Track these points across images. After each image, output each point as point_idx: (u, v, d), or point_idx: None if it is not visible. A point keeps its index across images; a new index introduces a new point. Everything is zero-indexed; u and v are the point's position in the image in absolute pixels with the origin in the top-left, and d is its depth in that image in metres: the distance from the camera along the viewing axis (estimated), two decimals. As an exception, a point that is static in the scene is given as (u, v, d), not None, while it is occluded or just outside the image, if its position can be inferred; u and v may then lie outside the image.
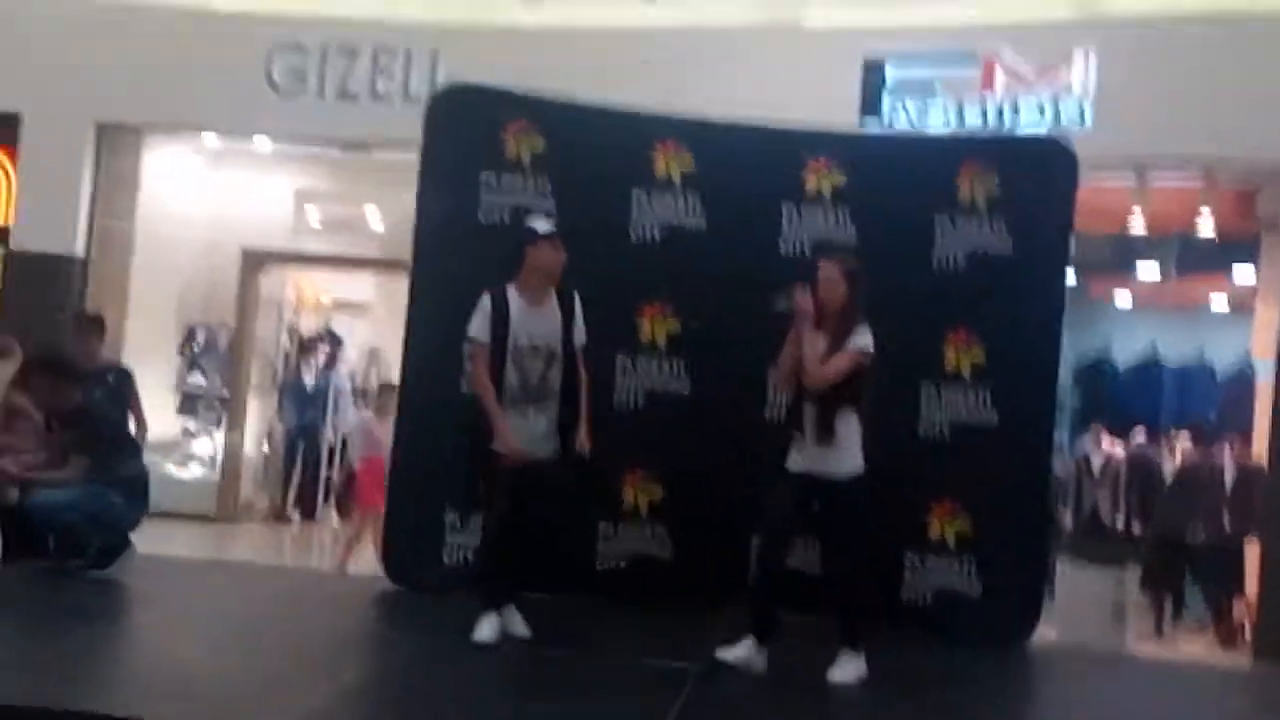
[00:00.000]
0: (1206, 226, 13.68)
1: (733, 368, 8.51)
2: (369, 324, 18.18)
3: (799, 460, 6.75)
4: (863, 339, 6.76)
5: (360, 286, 17.97)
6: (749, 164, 8.75)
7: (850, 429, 6.70)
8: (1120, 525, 13.37)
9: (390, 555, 8.55)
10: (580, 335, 7.14)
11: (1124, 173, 12.85)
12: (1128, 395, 15.31)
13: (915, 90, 13.46)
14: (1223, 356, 14.85)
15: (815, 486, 6.69)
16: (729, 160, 8.77)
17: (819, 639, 6.80)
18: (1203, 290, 16.28)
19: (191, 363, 16.70)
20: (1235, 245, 14.36)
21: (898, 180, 8.68)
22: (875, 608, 8.15)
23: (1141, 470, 13.61)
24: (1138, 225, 13.89)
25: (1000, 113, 13.15)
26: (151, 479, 15.62)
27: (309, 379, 16.96)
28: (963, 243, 8.61)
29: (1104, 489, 13.83)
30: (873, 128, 12.19)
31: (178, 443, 16.61)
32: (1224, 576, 12.46)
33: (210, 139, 16.55)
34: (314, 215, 17.13)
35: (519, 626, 7.10)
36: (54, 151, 15.97)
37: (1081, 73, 12.96)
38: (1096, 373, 16.01)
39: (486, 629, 6.93)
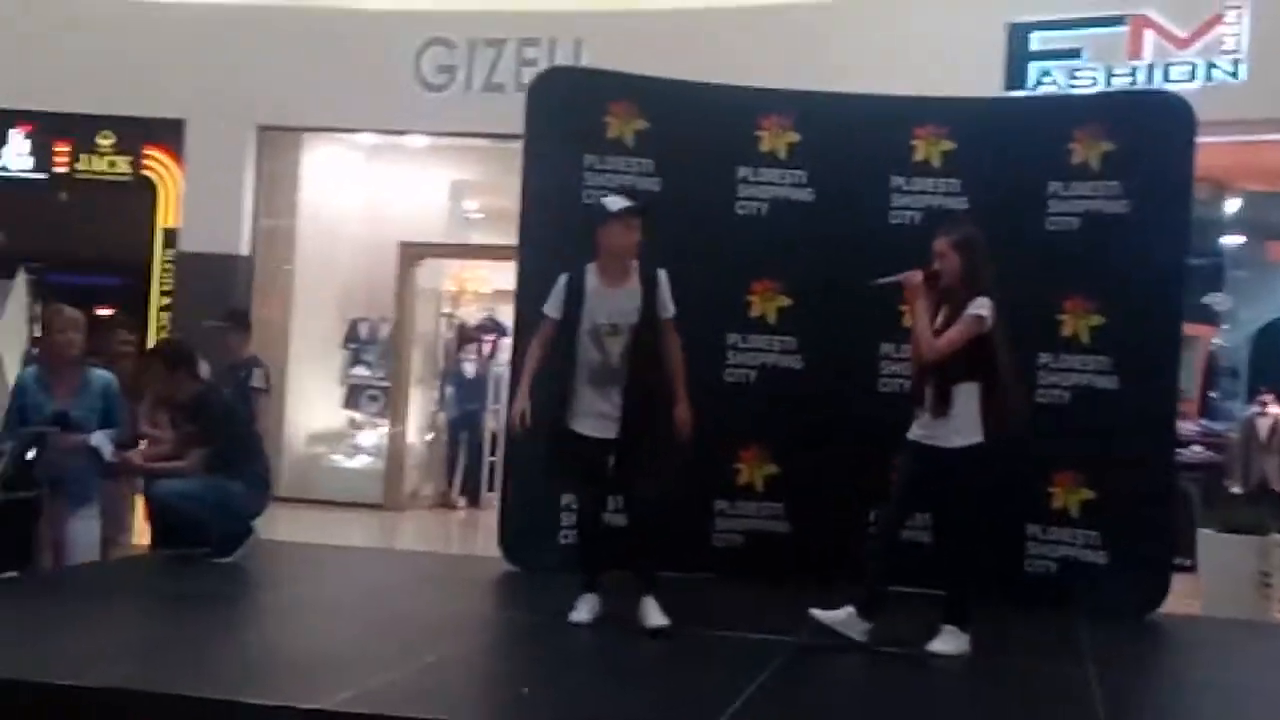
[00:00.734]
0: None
1: (843, 341, 8.44)
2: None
3: (916, 430, 6.63)
4: (977, 309, 6.55)
5: (519, 275, 18.13)
6: (856, 135, 8.66)
7: (968, 401, 6.54)
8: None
9: (508, 537, 8.63)
10: (666, 309, 6.99)
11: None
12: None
13: (1061, 56, 13.21)
14: None
15: (929, 457, 6.54)
16: (835, 132, 8.69)
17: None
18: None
19: (355, 356, 17.07)
20: None
21: (1008, 145, 8.52)
22: (988, 583, 8.07)
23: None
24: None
25: (1150, 75, 12.86)
26: (320, 469, 16.24)
27: (470, 368, 17.19)
28: (1077, 206, 8.40)
29: (1272, 456, 13.41)
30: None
31: (344, 434, 16.99)
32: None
33: (366, 136, 16.89)
34: (470, 206, 17.37)
35: (655, 617, 6.82)
36: (218, 155, 16.47)
37: (1235, 30, 12.59)
38: (1271, 337, 15.55)
39: (583, 609, 6.94)
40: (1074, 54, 13.11)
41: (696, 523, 8.63)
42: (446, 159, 17.03)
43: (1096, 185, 8.35)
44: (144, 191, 16.86)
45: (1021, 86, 12.94)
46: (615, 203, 7.03)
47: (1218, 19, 12.70)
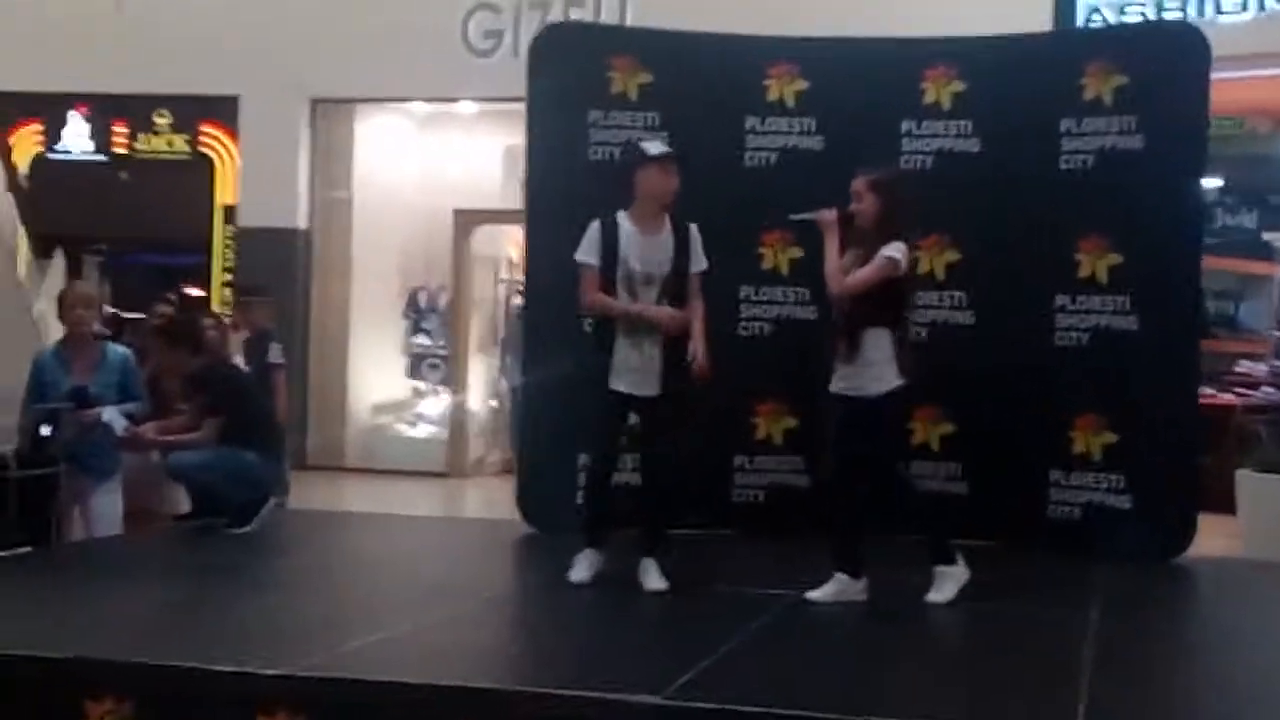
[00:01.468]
0: None
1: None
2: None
3: (837, 383, 6.50)
4: (890, 251, 6.39)
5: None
6: (865, 80, 8.54)
7: (880, 346, 6.40)
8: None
9: (525, 499, 8.62)
10: (699, 262, 6.91)
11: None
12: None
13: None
14: None
15: (853, 407, 6.43)
16: (844, 78, 8.56)
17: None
18: None
19: (416, 325, 17.13)
20: None
21: (1019, 83, 8.36)
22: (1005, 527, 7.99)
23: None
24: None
25: (1201, 8, 12.53)
26: (385, 439, 16.34)
27: (530, 333, 17.15)
28: (1091, 143, 8.22)
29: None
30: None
31: (408, 403, 17.08)
32: None
33: (417, 105, 16.92)
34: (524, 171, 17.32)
35: (654, 580, 6.77)
36: (272, 129, 16.59)
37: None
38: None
39: (582, 567, 6.89)
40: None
41: (716, 479, 8.56)
42: (498, 124, 16.96)
43: (1110, 120, 8.17)
44: (202, 169, 17.03)
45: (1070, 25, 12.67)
46: (654, 146, 6.97)
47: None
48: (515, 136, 17.30)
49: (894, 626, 6.25)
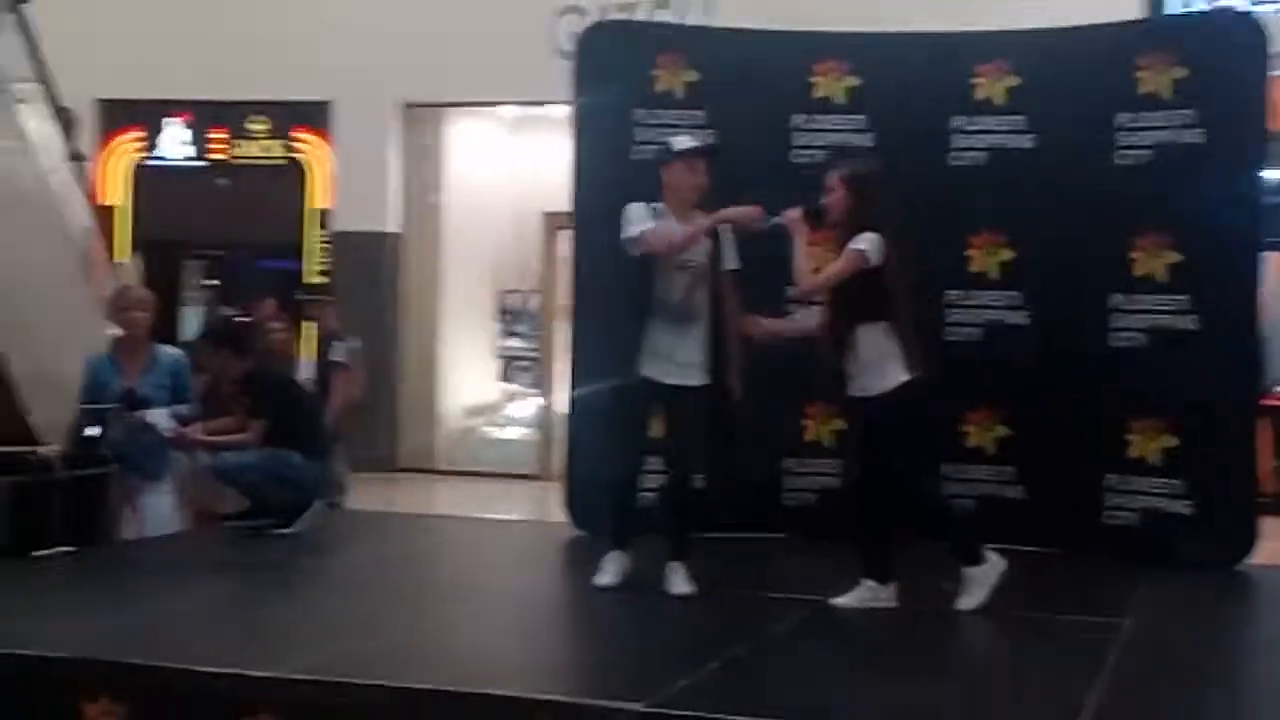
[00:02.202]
0: None
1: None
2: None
3: (848, 385, 6.35)
4: (857, 243, 6.21)
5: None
6: (916, 76, 8.37)
7: (877, 342, 6.22)
8: None
9: (573, 501, 8.56)
10: (730, 261, 6.78)
11: None
12: None
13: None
14: None
15: (864, 409, 6.28)
16: (894, 75, 8.40)
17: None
18: None
19: (507, 327, 17.17)
20: None
21: (1075, 76, 8.14)
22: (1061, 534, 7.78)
23: None
24: None
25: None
26: (476, 442, 16.39)
27: (619, 336, 17.12)
28: (1148, 137, 7.98)
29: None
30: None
31: (498, 405, 17.12)
32: None
33: (507, 108, 16.96)
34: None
35: (680, 585, 6.65)
36: (364, 134, 16.72)
37: None
38: None
39: (609, 571, 6.79)
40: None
41: (767, 482, 8.44)
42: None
43: (1168, 115, 7.92)
44: (296, 174, 17.19)
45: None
46: (680, 142, 6.86)
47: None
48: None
49: (912, 634, 6.08)
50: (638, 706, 4.62)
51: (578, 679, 5.11)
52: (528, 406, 16.90)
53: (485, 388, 17.31)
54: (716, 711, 4.56)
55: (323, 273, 17.06)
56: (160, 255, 17.47)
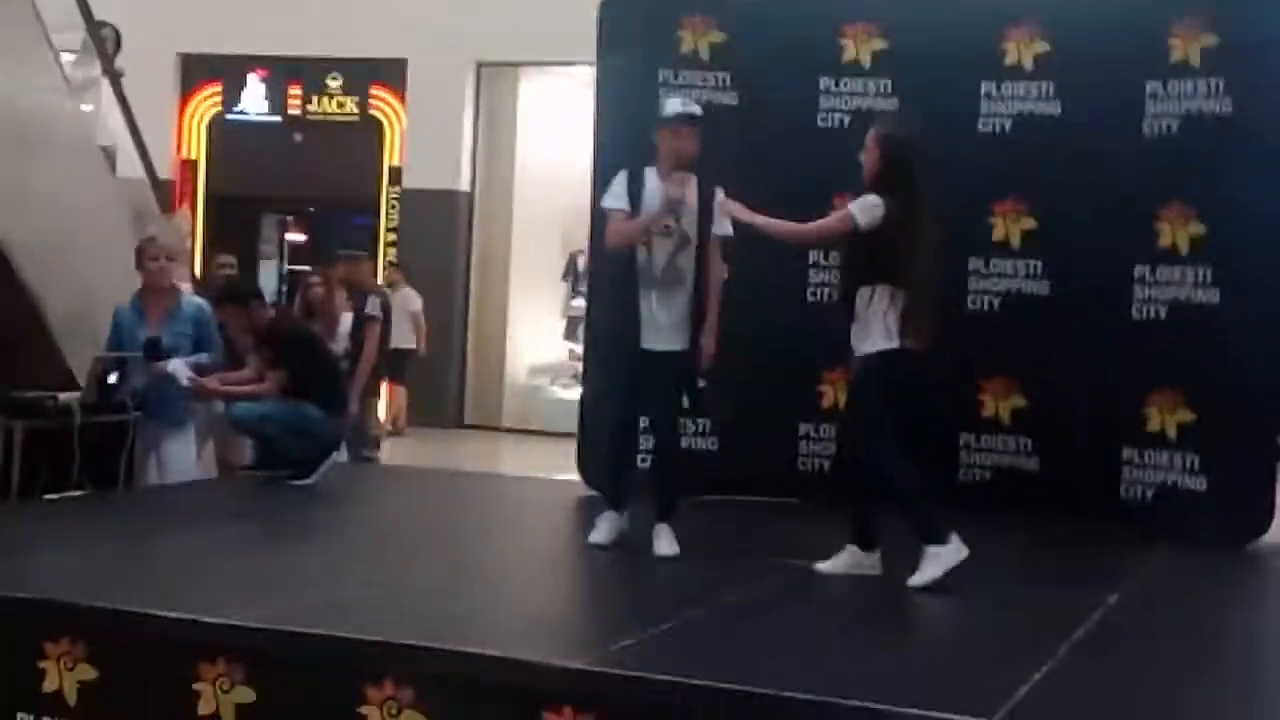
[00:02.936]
0: None
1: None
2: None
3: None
4: (854, 204, 6.13)
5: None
6: (944, 40, 8.24)
7: (875, 305, 6.08)
8: None
9: (585, 460, 8.56)
10: (722, 227, 6.73)
11: None
12: None
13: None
14: None
15: (853, 367, 6.23)
16: (923, 38, 8.28)
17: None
18: None
19: (574, 288, 17.20)
20: None
21: (1105, 43, 7.99)
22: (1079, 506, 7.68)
23: None
24: None
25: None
26: (541, 401, 16.47)
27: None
28: (1177, 106, 7.82)
29: None
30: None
31: (564, 366, 17.18)
32: None
33: (581, 69, 16.92)
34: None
35: (665, 546, 6.63)
36: (438, 93, 16.83)
37: None
38: None
39: (602, 529, 6.79)
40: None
41: (782, 447, 8.40)
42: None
43: (1197, 84, 7.75)
44: (371, 131, 17.34)
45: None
46: (671, 106, 6.82)
47: None
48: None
49: (884, 602, 6.00)
50: (573, 664, 4.61)
51: (526, 635, 5.09)
52: (594, 367, 16.91)
53: (552, 347, 17.38)
54: (647, 671, 4.54)
55: (393, 229, 17.23)
56: (236, 210, 17.72)
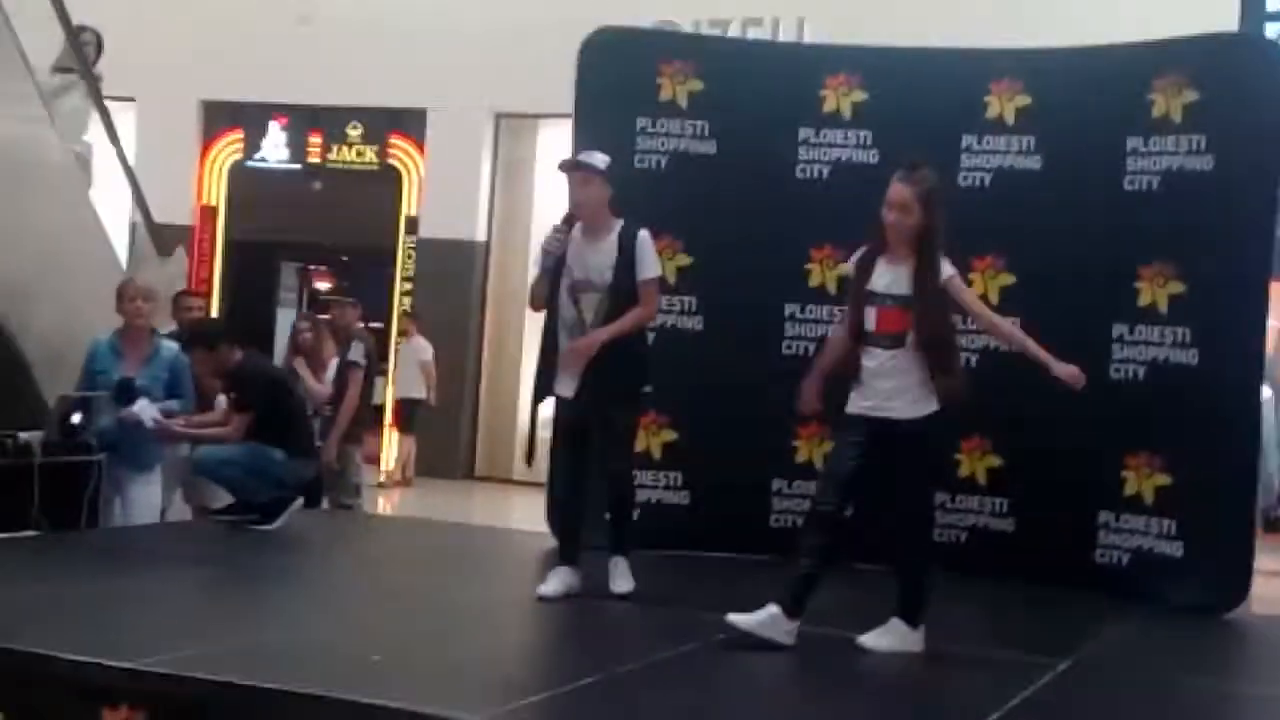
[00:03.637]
0: None
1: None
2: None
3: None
4: (948, 269, 5.92)
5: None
6: (926, 92, 8.13)
7: (915, 363, 5.89)
8: None
9: (552, 510, 8.41)
10: (646, 269, 6.63)
11: None
12: None
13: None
14: None
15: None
16: (905, 90, 8.17)
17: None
18: None
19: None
20: None
21: (1086, 98, 7.86)
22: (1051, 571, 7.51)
23: None
24: None
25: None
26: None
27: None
28: (1158, 163, 7.66)
29: None
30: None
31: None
32: None
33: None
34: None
35: (622, 582, 6.69)
36: (457, 143, 16.84)
37: None
38: None
39: (553, 582, 6.66)
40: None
41: (754, 503, 8.25)
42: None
43: (1178, 140, 7.59)
44: (389, 179, 17.36)
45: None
46: (584, 156, 6.82)
47: None
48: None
49: (823, 657, 5.81)
50: (476, 718, 4.48)
51: (433, 686, 4.97)
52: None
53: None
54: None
55: (409, 278, 17.20)
56: (256, 256, 17.76)
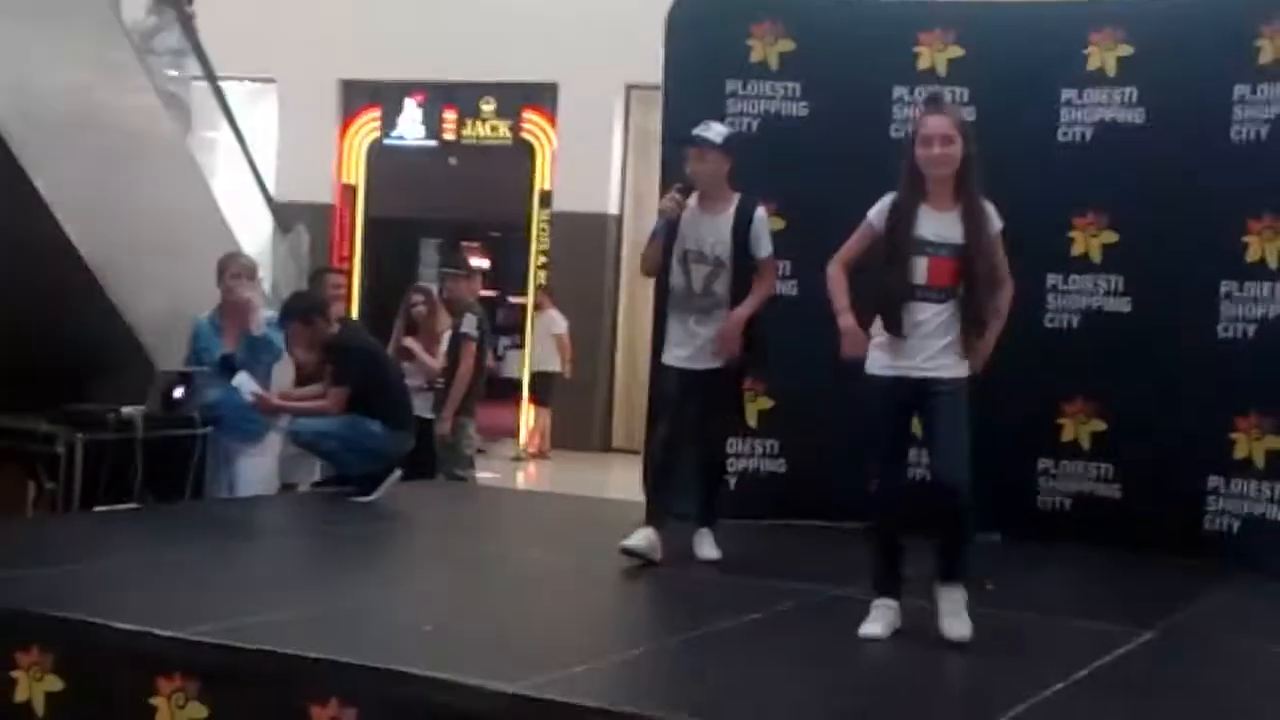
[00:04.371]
0: None
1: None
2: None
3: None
4: (991, 213, 5.51)
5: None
6: (1024, 46, 7.88)
7: (952, 320, 5.44)
8: None
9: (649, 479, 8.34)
10: (760, 248, 6.69)
11: None
12: None
13: None
14: None
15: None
16: (1002, 44, 7.92)
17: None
18: None
19: (724, 311, 16.99)
20: None
21: (1192, 47, 7.53)
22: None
23: None
24: None
25: None
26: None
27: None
28: (1266, 111, 7.33)
29: None
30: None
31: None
32: None
33: (731, 86, 16.77)
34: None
35: (708, 549, 6.77)
36: (588, 116, 16.81)
37: None
38: None
39: (638, 538, 6.61)
40: None
41: (851, 472, 8.05)
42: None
43: (1289, 86, 7.26)
44: (523, 154, 17.39)
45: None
46: (701, 129, 6.75)
47: None
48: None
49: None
50: (506, 687, 4.43)
51: (471, 655, 4.91)
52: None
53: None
54: (575, 697, 4.35)
55: (544, 252, 17.25)
56: (394, 233, 17.93)
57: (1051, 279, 7.77)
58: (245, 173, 11.75)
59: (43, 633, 5.13)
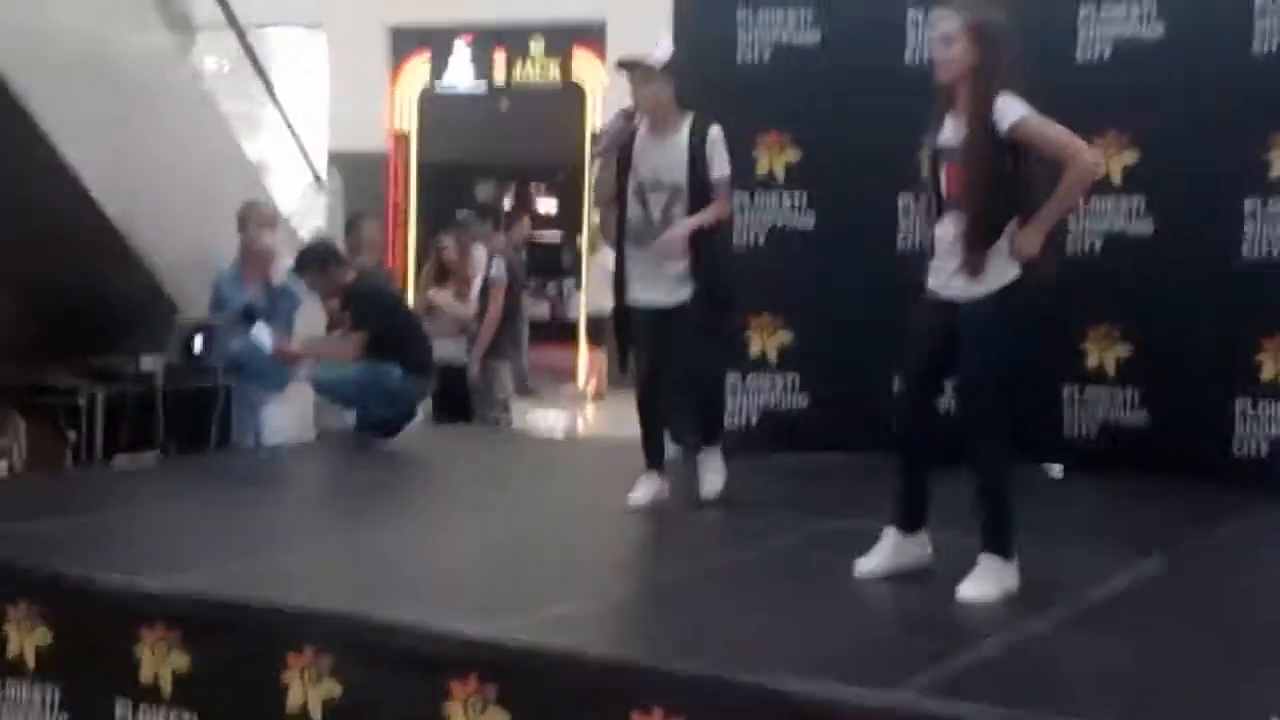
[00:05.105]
0: None
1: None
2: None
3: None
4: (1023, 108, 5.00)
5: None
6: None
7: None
8: None
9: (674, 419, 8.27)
10: (717, 168, 6.35)
11: None
12: None
13: None
14: None
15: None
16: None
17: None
18: None
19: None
20: None
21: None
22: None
23: None
24: None
25: None
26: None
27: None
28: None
29: None
30: None
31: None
32: None
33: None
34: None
35: (712, 478, 6.56)
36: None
37: None
38: None
39: (640, 490, 6.54)
40: None
41: (872, 403, 7.95)
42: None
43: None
44: (573, 96, 17.27)
45: None
46: (641, 53, 6.49)
47: None
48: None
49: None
50: (470, 632, 4.39)
51: (455, 599, 4.87)
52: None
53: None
54: (544, 639, 4.31)
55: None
56: (449, 178, 17.90)
57: (1074, 202, 7.57)
58: (305, 124, 11.67)
59: (33, 588, 5.15)
